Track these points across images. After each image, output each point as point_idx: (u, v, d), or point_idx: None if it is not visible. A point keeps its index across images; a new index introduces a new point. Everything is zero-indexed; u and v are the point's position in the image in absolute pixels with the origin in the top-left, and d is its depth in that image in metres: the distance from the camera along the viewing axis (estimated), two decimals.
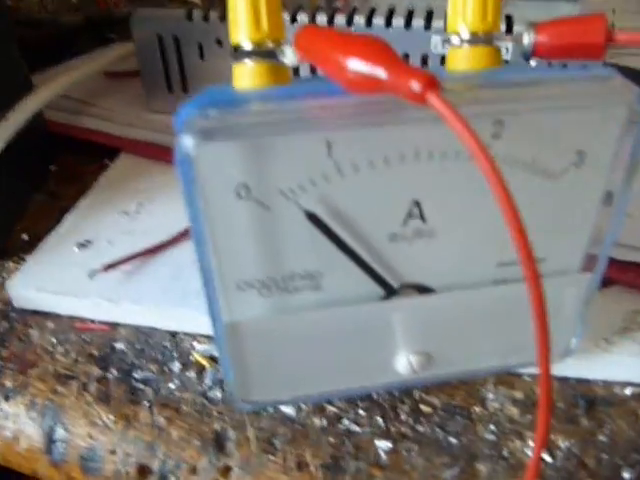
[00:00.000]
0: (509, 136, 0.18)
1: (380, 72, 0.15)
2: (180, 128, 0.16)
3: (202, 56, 0.37)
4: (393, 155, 0.17)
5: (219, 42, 0.36)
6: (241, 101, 0.17)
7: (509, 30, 0.33)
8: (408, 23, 0.33)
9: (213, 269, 0.18)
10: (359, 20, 0.34)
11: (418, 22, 0.33)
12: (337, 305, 0.20)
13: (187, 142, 0.15)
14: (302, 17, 0.35)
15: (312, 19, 0.35)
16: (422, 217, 0.19)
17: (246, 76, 0.20)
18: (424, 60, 0.34)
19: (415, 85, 0.14)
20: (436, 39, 0.34)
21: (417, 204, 0.19)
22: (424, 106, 0.14)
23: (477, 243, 0.20)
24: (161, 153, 0.36)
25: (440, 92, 0.14)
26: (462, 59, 0.22)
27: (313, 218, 0.18)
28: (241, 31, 0.20)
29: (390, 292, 0.20)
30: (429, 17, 0.34)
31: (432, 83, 0.14)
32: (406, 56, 0.34)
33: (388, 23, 0.34)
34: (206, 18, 0.36)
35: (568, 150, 0.19)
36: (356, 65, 0.15)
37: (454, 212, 0.19)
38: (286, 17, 0.35)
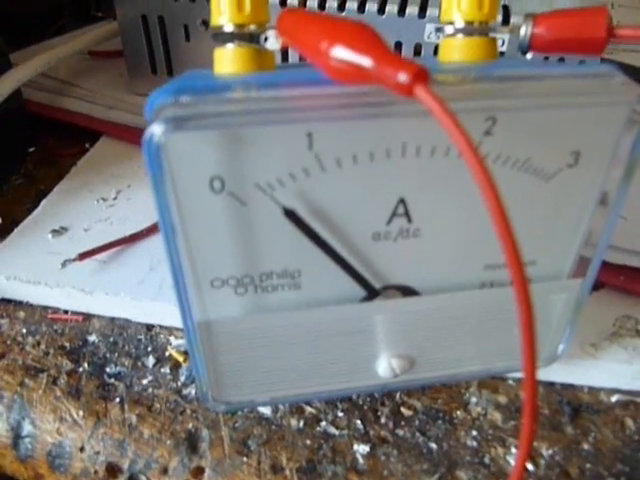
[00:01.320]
0: (502, 133, 0.17)
1: (366, 61, 0.14)
2: (150, 115, 0.15)
3: (187, 37, 0.36)
4: (379, 150, 0.16)
5: (205, 23, 0.35)
6: (217, 88, 0.15)
7: (506, 21, 0.32)
8: (402, 10, 0.32)
9: (184, 266, 0.17)
10: (352, 5, 0.33)
11: (412, 9, 0.32)
12: (317, 305, 0.19)
13: (156, 130, 0.14)
14: (292, 0, 0.33)
15: (303, 2, 0.33)
16: (408, 216, 0.18)
17: (227, 61, 0.19)
18: (417, 49, 0.33)
19: (403, 76, 0.13)
20: (430, 28, 0.32)
21: (403, 202, 0.18)
22: (411, 99, 0.13)
23: (464, 244, 0.19)
24: (141, 138, 0.35)
25: (429, 85, 0.13)
26: (456, 50, 0.21)
27: (291, 215, 0.17)
28: (223, 12, 0.19)
29: (372, 293, 0.20)
30: (424, 4, 0.33)
31: (421, 75, 0.13)
32: (399, 44, 0.33)
33: (381, 9, 0.32)
34: None
35: (563, 150, 0.18)
36: (341, 53, 0.14)
37: (441, 212, 0.18)
38: (276, 0, 0.33)
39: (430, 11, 0.32)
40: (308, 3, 0.33)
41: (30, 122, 0.38)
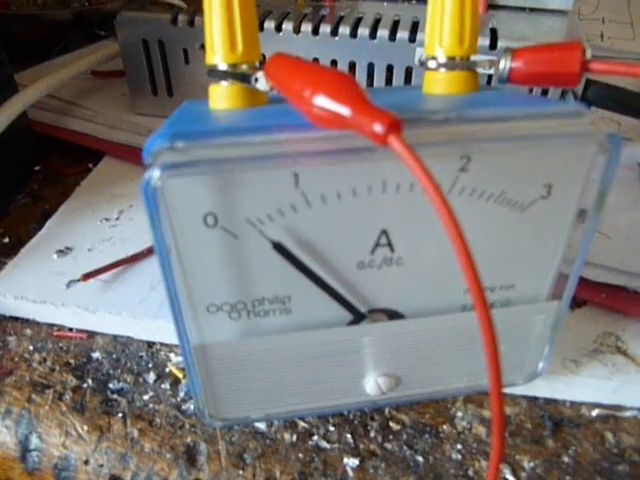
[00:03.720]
0: (476, 170, 0.18)
1: (345, 111, 0.15)
2: (148, 159, 0.16)
3: (187, 60, 0.37)
4: (360, 187, 0.18)
5: (204, 47, 0.36)
6: (210, 133, 0.17)
7: (493, 45, 0.33)
8: (393, 35, 0.33)
9: (181, 293, 0.18)
10: (344, 30, 0.34)
11: (403, 34, 0.33)
12: (306, 329, 0.21)
13: (153, 174, 0.16)
14: (287, 25, 0.34)
15: (298, 28, 0.35)
16: (390, 246, 0.19)
17: (221, 97, 0.21)
18: (408, 72, 0.34)
19: (378, 127, 0.14)
20: (420, 52, 0.33)
21: (385, 233, 0.19)
22: (385, 148, 0.15)
23: (444, 270, 0.20)
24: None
25: (402, 135, 0.14)
26: (438, 83, 0.22)
27: (279, 247, 0.18)
28: (216, 52, 0.20)
29: (359, 317, 0.21)
30: (414, 28, 0.34)
31: (394, 126, 0.14)
32: (390, 68, 0.34)
33: (373, 34, 0.34)
34: (191, 23, 0.36)
35: (536, 184, 0.19)
36: (322, 101, 0.15)
37: (421, 241, 0.19)
38: (271, 25, 0.34)
39: (420, 35, 0.33)
40: (303, 27, 0.35)
41: (35, 142, 0.40)
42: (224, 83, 0.20)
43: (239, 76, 0.20)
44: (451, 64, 0.22)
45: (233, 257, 0.18)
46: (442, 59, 0.22)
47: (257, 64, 0.20)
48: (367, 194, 0.18)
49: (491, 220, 0.19)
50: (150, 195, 0.16)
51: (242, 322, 0.20)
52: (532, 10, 0.37)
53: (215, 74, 0.21)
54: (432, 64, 0.22)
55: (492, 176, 0.18)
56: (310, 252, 0.19)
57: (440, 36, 0.22)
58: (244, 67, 0.20)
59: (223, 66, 0.20)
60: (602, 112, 0.34)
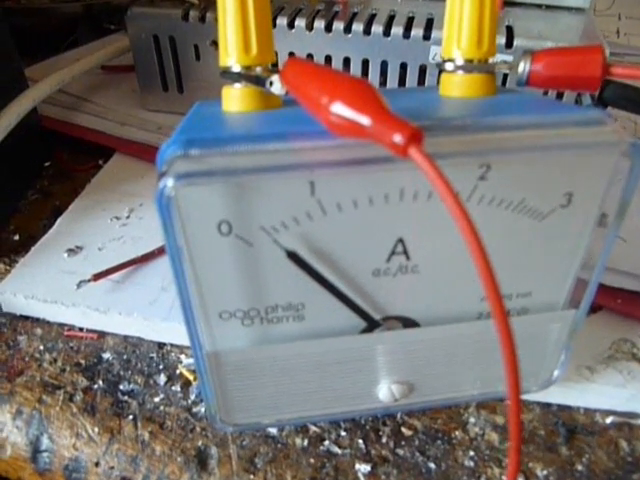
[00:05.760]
0: (496, 178, 0.17)
1: (364, 119, 0.15)
2: (161, 167, 0.16)
3: (198, 57, 0.37)
4: (377, 195, 0.17)
5: (215, 43, 0.36)
6: (224, 140, 0.16)
7: (509, 43, 0.32)
8: (407, 32, 0.33)
9: (194, 300, 0.18)
10: (357, 28, 0.33)
11: (417, 32, 0.33)
12: (319, 336, 0.20)
13: (167, 183, 0.15)
14: (300, 22, 0.34)
15: (310, 24, 0.34)
16: (406, 254, 0.19)
17: (235, 99, 0.20)
18: (422, 70, 0.34)
19: (398, 137, 0.14)
20: (435, 50, 0.33)
21: (401, 242, 0.19)
22: (405, 159, 0.14)
23: (460, 279, 0.20)
24: (153, 155, 0.36)
25: (422, 146, 0.14)
26: (455, 86, 0.21)
27: (293, 256, 0.18)
28: (230, 54, 0.20)
29: (373, 324, 0.20)
30: (429, 25, 0.33)
31: (415, 136, 0.14)
32: (404, 65, 0.34)
33: (387, 32, 0.33)
34: (202, 19, 0.35)
35: (556, 193, 0.18)
36: (340, 109, 0.15)
37: (438, 249, 0.19)
38: (284, 22, 0.34)
39: (435, 33, 0.33)
40: (315, 24, 0.34)
41: (45, 137, 0.39)
42: (238, 85, 0.20)
43: (253, 78, 0.20)
44: (469, 67, 0.21)
45: (247, 265, 0.18)
46: (460, 61, 0.21)
47: (270, 66, 0.20)
48: (384, 203, 0.17)
49: (509, 228, 0.19)
50: (164, 204, 0.16)
51: (255, 329, 0.20)
52: (548, 7, 0.36)
53: (229, 76, 0.20)
54: (449, 66, 0.21)
55: (512, 185, 0.18)
56: (325, 260, 0.18)
57: (458, 38, 0.21)
58: (258, 69, 0.20)
59: (237, 68, 0.20)
60: (618, 112, 0.33)
